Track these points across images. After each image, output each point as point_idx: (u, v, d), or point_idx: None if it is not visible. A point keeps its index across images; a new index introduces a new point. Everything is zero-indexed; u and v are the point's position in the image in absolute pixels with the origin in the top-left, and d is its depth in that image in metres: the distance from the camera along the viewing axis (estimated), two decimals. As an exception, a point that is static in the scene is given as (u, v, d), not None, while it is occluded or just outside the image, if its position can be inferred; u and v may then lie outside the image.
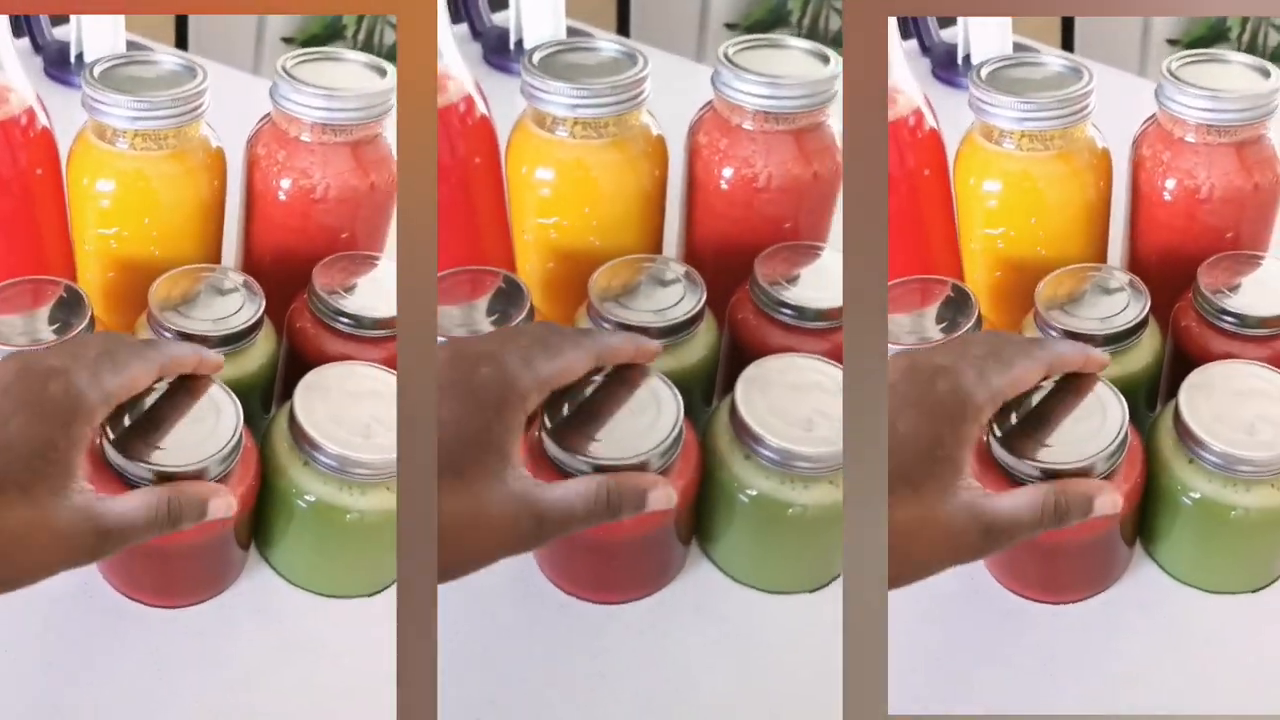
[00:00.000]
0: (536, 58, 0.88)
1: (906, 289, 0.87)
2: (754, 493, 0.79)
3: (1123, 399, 0.77)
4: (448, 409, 0.71)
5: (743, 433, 0.79)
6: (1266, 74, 0.87)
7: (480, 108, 0.91)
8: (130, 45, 0.99)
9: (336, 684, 0.79)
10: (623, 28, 1.19)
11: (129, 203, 0.86)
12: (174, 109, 0.84)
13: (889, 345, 0.79)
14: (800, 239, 0.89)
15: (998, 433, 0.76)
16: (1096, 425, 0.76)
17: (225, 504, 0.72)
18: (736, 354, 0.86)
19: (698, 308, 0.85)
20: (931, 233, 0.91)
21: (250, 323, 0.83)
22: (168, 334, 0.82)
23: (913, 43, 1.16)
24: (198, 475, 0.74)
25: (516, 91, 0.88)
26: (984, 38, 1.06)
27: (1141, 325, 0.84)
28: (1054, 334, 0.83)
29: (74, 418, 0.69)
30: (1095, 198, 0.89)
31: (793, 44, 0.89)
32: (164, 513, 0.70)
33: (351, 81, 0.86)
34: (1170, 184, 0.87)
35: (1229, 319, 0.84)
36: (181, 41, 1.16)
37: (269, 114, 0.87)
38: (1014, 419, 0.76)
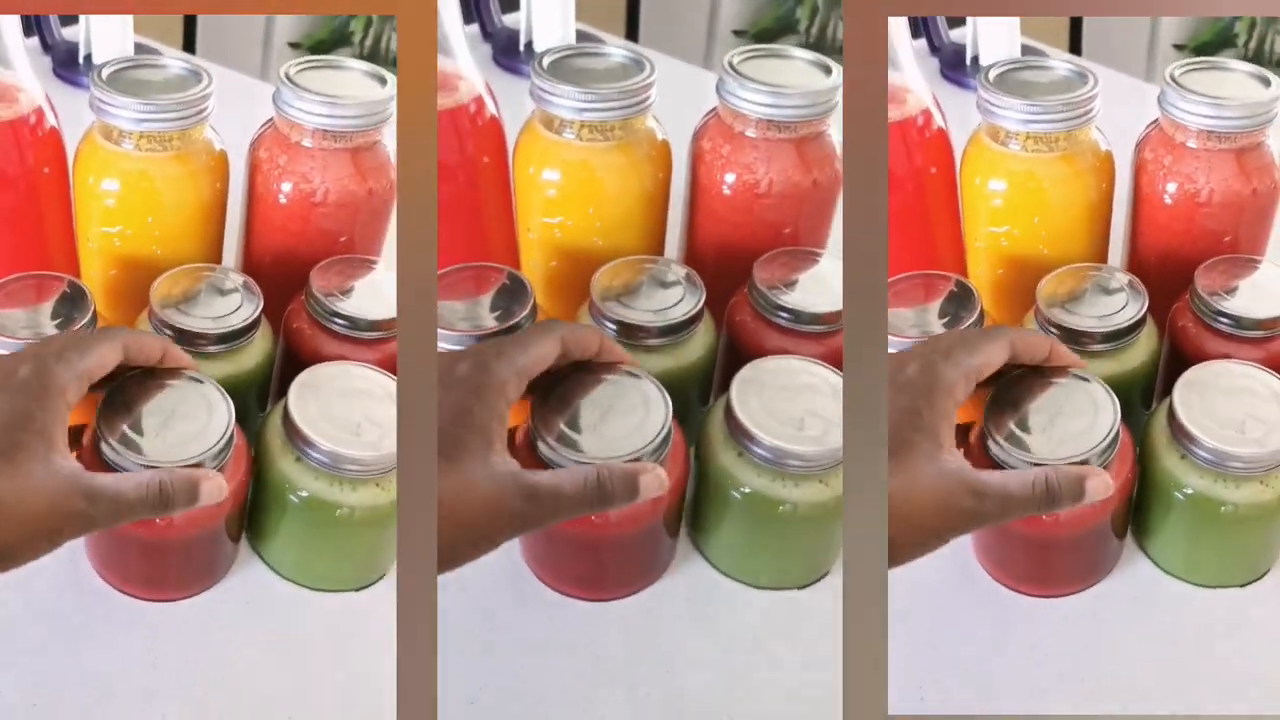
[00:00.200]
0: (546, 61, 0.88)
1: (910, 284, 0.87)
2: (747, 489, 0.79)
3: (1115, 397, 0.78)
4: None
5: (737, 431, 0.79)
6: (1267, 83, 0.88)
7: (490, 108, 0.92)
8: (138, 49, 1.00)
9: (326, 675, 0.80)
10: (632, 33, 1.20)
11: (133, 202, 0.86)
12: (179, 112, 0.85)
13: (892, 340, 0.80)
14: (799, 245, 0.89)
15: (993, 433, 0.76)
16: (1088, 422, 0.77)
17: (216, 487, 0.73)
18: (733, 355, 0.86)
19: (697, 309, 0.85)
20: (937, 230, 0.91)
21: (248, 322, 0.84)
22: (168, 331, 0.82)
23: (922, 42, 1.16)
24: (190, 472, 0.75)
25: (525, 93, 0.89)
26: (993, 39, 1.06)
27: (1139, 324, 0.85)
28: (1054, 331, 0.84)
29: (46, 392, 0.71)
30: (1097, 199, 0.89)
31: (796, 55, 0.90)
32: (155, 492, 0.71)
33: (353, 89, 0.87)
34: (1171, 188, 0.88)
35: (1225, 320, 0.84)
36: (189, 45, 1.17)
37: (271, 119, 0.88)
38: (1010, 421, 0.77)
